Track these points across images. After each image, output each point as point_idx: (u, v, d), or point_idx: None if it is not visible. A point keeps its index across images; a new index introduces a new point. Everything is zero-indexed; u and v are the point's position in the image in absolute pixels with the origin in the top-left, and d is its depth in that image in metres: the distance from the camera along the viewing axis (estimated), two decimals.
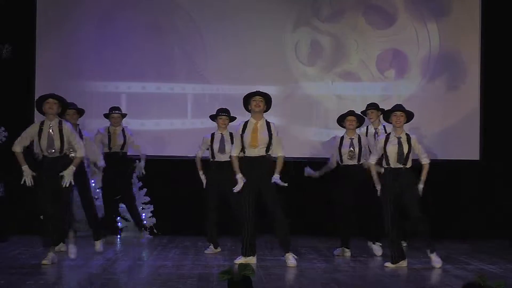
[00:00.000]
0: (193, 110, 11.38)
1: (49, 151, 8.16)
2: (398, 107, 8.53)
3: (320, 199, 11.21)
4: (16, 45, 11.20)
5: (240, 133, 8.38)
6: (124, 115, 10.46)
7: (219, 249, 9.47)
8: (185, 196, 11.30)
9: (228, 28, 11.44)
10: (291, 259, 8.34)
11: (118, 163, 10.31)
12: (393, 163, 8.34)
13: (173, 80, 11.43)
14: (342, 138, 9.37)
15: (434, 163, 8.63)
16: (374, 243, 9.36)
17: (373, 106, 9.82)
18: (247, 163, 8.33)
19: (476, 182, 11.54)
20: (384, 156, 8.43)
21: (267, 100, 8.41)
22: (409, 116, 8.50)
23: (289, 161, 9.63)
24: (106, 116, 10.40)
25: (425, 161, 8.49)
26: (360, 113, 9.57)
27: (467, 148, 11.46)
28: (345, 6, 11.57)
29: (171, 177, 11.27)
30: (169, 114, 11.35)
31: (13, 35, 11.24)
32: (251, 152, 8.32)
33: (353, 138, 9.30)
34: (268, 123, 8.38)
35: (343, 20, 11.56)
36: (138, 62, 11.38)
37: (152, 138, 11.26)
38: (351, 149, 9.24)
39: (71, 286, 7.02)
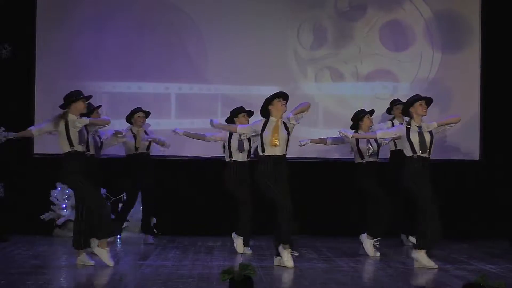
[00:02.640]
0: (193, 110, 11.37)
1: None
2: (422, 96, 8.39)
3: (320, 199, 11.23)
4: (16, 45, 11.21)
5: (260, 131, 8.29)
6: (148, 114, 10.46)
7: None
8: (185, 196, 11.30)
9: (228, 28, 11.44)
10: (286, 256, 8.16)
11: (145, 164, 10.34)
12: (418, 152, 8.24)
13: (173, 80, 11.42)
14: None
15: (434, 163, 8.62)
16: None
17: (398, 102, 10.09)
18: (269, 161, 8.25)
19: (476, 182, 11.54)
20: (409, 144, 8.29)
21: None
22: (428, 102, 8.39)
23: (289, 161, 9.64)
24: (129, 118, 10.38)
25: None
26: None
27: (467, 148, 11.46)
28: (346, 6, 11.56)
29: (171, 177, 11.27)
30: (169, 114, 11.34)
31: (13, 35, 11.23)
32: (272, 151, 8.26)
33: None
34: (284, 122, 8.32)
35: (343, 21, 11.56)
36: (138, 62, 11.37)
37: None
38: (370, 146, 9.21)
39: (71, 286, 7.03)
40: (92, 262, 8.02)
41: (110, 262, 8.01)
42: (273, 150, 8.24)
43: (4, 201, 10.99)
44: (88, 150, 8.59)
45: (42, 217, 11.04)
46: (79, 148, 8.03)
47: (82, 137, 8.06)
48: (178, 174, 11.35)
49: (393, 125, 9.83)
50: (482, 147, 11.51)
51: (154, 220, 11.02)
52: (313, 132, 11.31)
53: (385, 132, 8.72)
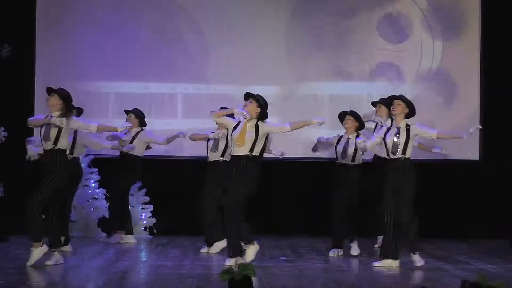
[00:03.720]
0: (193, 110, 11.37)
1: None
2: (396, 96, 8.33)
3: (320, 199, 11.22)
4: (16, 45, 11.20)
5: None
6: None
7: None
8: (185, 196, 11.30)
9: (228, 28, 11.44)
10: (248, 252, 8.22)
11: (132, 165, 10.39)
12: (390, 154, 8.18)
13: (172, 80, 11.43)
14: (340, 137, 9.37)
15: (434, 163, 8.63)
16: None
17: (381, 101, 9.70)
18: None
19: (476, 182, 11.54)
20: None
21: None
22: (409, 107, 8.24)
23: (290, 161, 9.65)
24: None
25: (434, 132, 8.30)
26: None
27: (467, 148, 11.46)
28: (348, 7, 11.56)
29: (171, 177, 11.27)
30: (169, 114, 11.34)
31: (13, 35, 11.23)
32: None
33: (349, 138, 9.29)
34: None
35: (344, 21, 11.55)
36: (138, 62, 11.38)
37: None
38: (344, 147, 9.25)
39: (71, 286, 7.03)
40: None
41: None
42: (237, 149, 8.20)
43: (4, 201, 10.98)
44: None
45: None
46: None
47: None
48: (178, 174, 11.34)
49: (375, 128, 9.75)
50: (482, 147, 11.51)
51: (154, 220, 11.03)
52: (313, 132, 11.31)
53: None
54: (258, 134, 8.16)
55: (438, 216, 11.31)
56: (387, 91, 11.49)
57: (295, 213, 11.41)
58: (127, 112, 10.34)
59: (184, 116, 11.38)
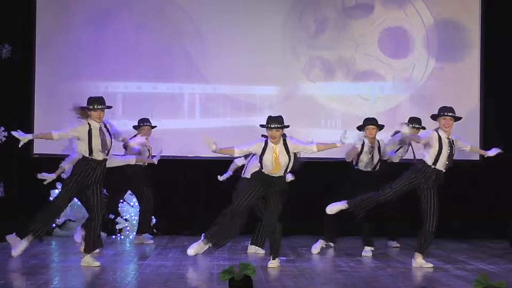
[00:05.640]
0: (193, 110, 11.37)
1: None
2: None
3: (320, 199, 11.21)
4: (16, 45, 11.20)
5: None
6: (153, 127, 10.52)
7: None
8: (185, 196, 11.30)
9: (228, 28, 11.43)
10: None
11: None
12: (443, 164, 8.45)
13: (172, 80, 11.42)
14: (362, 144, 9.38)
15: None
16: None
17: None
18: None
19: (476, 182, 11.53)
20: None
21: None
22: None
23: None
24: (137, 127, 10.40)
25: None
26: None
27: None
28: (347, 6, 11.55)
29: (171, 177, 11.27)
30: (168, 114, 11.34)
31: (13, 35, 11.23)
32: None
33: (373, 147, 9.40)
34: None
35: (343, 21, 11.55)
36: (138, 62, 11.37)
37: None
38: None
39: (71, 286, 7.03)
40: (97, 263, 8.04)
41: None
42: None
43: (4, 201, 10.99)
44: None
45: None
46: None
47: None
48: (178, 174, 11.34)
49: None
50: (482, 147, 11.49)
51: (154, 220, 11.03)
52: (313, 132, 11.32)
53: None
54: (290, 156, 8.13)
55: (438, 216, 11.29)
56: (387, 91, 11.53)
57: (295, 213, 11.40)
58: (144, 123, 10.36)
59: (184, 116, 11.38)
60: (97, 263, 7.97)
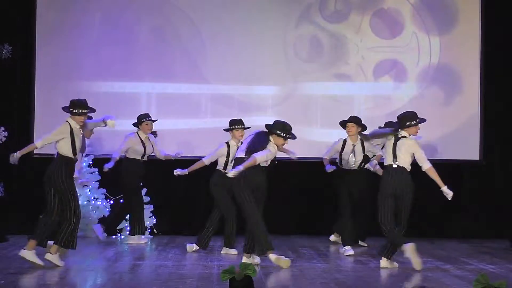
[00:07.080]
0: (193, 110, 11.37)
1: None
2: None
3: (320, 199, 11.22)
4: (16, 45, 11.20)
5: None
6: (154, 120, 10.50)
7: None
8: (185, 196, 11.30)
9: (228, 28, 11.43)
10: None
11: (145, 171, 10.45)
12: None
13: (172, 80, 11.42)
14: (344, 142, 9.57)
15: (434, 163, 8.62)
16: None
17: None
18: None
19: (476, 182, 11.53)
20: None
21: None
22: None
23: (289, 161, 9.65)
24: (138, 124, 10.37)
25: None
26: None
27: (467, 148, 11.45)
28: (350, 8, 11.54)
29: (171, 177, 11.26)
30: (168, 114, 11.33)
31: (13, 35, 11.23)
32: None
33: (355, 145, 9.51)
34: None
35: (345, 22, 11.54)
36: (137, 62, 11.37)
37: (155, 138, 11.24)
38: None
39: (71, 286, 7.03)
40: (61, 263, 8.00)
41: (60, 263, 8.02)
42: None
43: (4, 201, 10.99)
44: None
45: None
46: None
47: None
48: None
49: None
50: (482, 147, 11.50)
51: (153, 220, 11.03)
52: (313, 132, 11.32)
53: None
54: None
55: (438, 216, 11.31)
56: (387, 91, 11.53)
57: (295, 213, 11.41)
58: (146, 118, 10.36)
59: (184, 116, 11.37)
60: (41, 263, 7.88)
